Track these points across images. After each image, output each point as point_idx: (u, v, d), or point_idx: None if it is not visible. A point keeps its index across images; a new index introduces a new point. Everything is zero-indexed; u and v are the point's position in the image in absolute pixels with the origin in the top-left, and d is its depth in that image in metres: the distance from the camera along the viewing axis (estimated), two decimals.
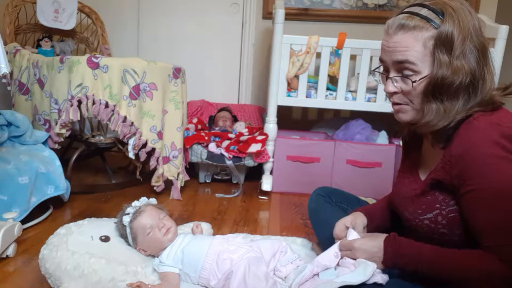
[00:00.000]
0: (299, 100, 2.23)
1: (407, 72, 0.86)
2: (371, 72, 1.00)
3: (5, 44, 2.18)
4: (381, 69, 0.94)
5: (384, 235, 0.97)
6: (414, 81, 0.85)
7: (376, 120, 2.39)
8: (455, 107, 0.84)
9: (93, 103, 1.81)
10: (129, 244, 1.26)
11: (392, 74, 0.89)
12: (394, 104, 0.92)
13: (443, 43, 0.81)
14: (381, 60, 0.92)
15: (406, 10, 0.87)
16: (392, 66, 0.88)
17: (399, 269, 0.93)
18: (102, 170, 2.32)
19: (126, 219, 1.24)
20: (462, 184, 0.83)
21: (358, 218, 1.13)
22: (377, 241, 0.96)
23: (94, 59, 1.80)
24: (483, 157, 0.79)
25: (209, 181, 2.39)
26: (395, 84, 0.89)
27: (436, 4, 0.83)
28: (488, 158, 0.79)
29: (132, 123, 1.87)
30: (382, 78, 0.94)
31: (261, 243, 1.26)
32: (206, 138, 2.27)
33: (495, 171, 0.79)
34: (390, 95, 0.92)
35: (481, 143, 0.80)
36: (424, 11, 0.83)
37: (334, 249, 1.04)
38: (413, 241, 0.92)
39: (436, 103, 0.84)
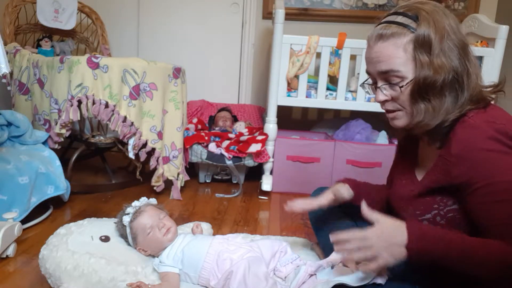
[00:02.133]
0: (299, 100, 2.23)
1: (393, 80, 0.88)
2: (361, 85, 1.01)
3: (5, 44, 2.18)
4: (370, 81, 0.97)
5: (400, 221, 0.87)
6: (401, 86, 0.87)
7: (376, 120, 2.39)
8: (443, 105, 0.85)
9: (93, 103, 1.81)
10: (129, 244, 1.26)
11: (380, 83, 0.91)
12: (387, 112, 0.94)
13: (421, 45, 0.84)
14: (367, 72, 0.94)
15: (382, 20, 0.90)
16: (378, 76, 0.91)
17: (422, 257, 0.83)
18: (102, 170, 2.32)
19: (126, 219, 1.24)
20: (467, 183, 0.83)
21: (342, 188, 1.14)
22: (396, 225, 0.85)
23: (94, 59, 1.80)
24: (485, 153, 0.81)
25: (209, 181, 2.39)
26: (384, 92, 0.91)
27: (410, 10, 0.86)
28: (490, 154, 0.80)
29: (132, 123, 1.87)
30: (372, 89, 0.96)
31: (261, 243, 1.26)
32: (206, 138, 2.27)
33: (500, 165, 0.80)
34: (382, 104, 0.94)
35: (480, 140, 0.81)
36: (399, 18, 0.86)
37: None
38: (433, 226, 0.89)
39: (424, 103, 0.86)
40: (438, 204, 0.90)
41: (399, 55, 0.85)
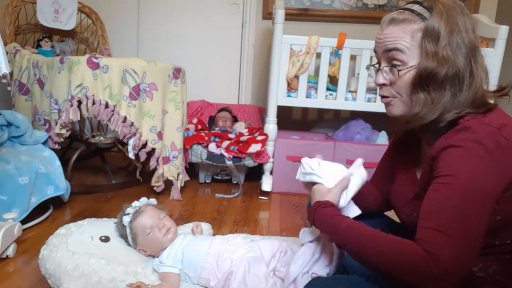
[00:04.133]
0: (299, 100, 2.23)
1: (395, 62, 0.88)
2: (367, 67, 1.01)
3: (5, 44, 2.18)
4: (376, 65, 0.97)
5: (338, 192, 0.99)
6: (400, 70, 0.87)
7: (376, 120, 2.39)
8: (442, 99, 0.84)
9: (93, 103, 1.81)
10: (129, 244, 1.26)
11: (383, 65, 0.91)
12: (383, 97, 0.94)
13: (430, 35, 0.84)
14: (374, 51, 0.95)
15: (400, 7, 0.90)
16: (382, 56, 0.91)
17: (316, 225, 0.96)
18: (102, 170, 2.32)
19: (126, 219, 1.24)
20: (435, 174, 0.82)
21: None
22: (327, 191, 0.99)
23: (94, 59, 1.80)
24: (464, 151, 0.79)
25: (209, 181, 2.39)
26: (384, 75, 0.91)
27: (428, 1, 0.87)
28: (468, 153, 0.78)
29: (132, 123, 1.87)
30: (375, 71, 0.96)
31: (261, 243, 1.26)
32: (206, 138, 2.27)
33: (471, 166, 0.77)
34: (380, 88, 0.94)
35: (465, 141, 0.79)
36: (415, 7, 0.87)
37: None
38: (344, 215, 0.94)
39: (423, 94, 0.85)
40: None
41: (406, 38, 0.86)
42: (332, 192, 1.00)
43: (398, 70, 0.87)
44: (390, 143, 1.17)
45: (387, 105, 0.93)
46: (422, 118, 0.87)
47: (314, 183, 1.05)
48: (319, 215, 0.94)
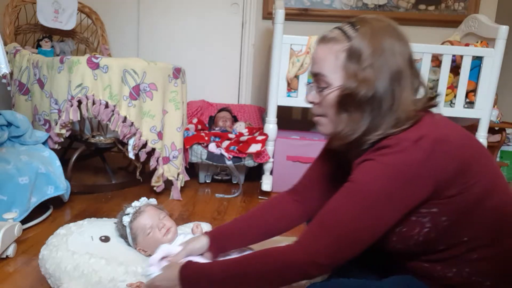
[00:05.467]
0: (299, 100, 2.23)
1: (322, 84, 0.89)
2: (307, 84, 1.02)
3: (5, 44, 2.18)
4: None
5: (180, 264, 0.96)
6: (323, 92, 0.88)
7: None
8: (362, 120, 0.84)
9: (93, 103, 1.81)
10: (129, 244, 1.25)
11: (313, 84, 0.93)
12: (314, 115, 0.95)
13: (352, 55, 0.84)
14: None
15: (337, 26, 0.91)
16: (313, 76, 0.92)
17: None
18: (102, 170, 2.32)
19: (126, 219, 1.24)
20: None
21: (193, 243, 1.09)
22: (174, 271, 0.94)
23: (94, 59, 1.80)
24: (372, 163, 0.81)
25: (209, 181, 2.39)
26: (314, 93, 0.92)
27: (358, 22, 0.87)
28: (376, 164, 0.80)
29: (132, 123, 1.87)
30: (309, 88, 0.97)
31: (261, 243, 1.26)
32: (206, 138, 2.27)
33: (369, 174, 0.80)
34: (312, 106, 0.95)
35: (378, 156, 0.81)
36: (346, 27, 0.88)
37: None
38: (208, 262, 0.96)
39: (346, 114, 0.86)
40: None
41: (330, 60, 0.86)
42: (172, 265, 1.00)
43: (323, 91, 0.88)
44: (318, 161, 1.15)
45: (317, 123, 0.95)
46: (345, 138, 0.87)
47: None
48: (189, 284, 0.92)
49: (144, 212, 1.24)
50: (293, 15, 2.75)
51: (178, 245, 1.12)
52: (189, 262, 0.96)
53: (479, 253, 0.82)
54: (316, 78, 0.90)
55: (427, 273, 0.86)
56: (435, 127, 0.82)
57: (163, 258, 1.06)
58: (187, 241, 1.11)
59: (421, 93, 0.89)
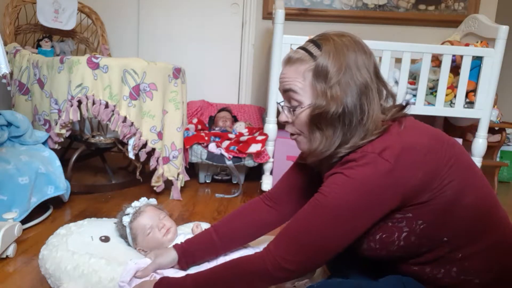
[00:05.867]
0: None
1: (292, 102, 0.90)
2: (278, 103, 1.03)
3: (5, 44, 2.18)
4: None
5: (153, 282, 0.96)
6: (295, 110, 0.89)
7: None
8: (335, 136, 0.86)
9: (93, 103, 1.81)
10: (129, 244, 1.26)
11: (284, 104, 0.93)
12: (290, 135, 0.96)
13: (319, 74, 0.85)
14: (279, 89, 0.96)
15: (300, 45, 0.92)
16: (283, 95, 0.93)
17: None
18: (102, 170, 2.32)
19: (126, 220, 1.24)
20: None
21: (161, 258, 1.09)
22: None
23: (94, 59, 1.80)
24: (340, 176, 0.82)
25: (209, 181, 2.39)
26: (286, 113, 0.93)
27: (321, 39, 0.87)
28: (343, 178, 0.81)
29: (132, 123, 1.87)
30: (280, 109, 0.98)
31: (261, 243, 1.26)
32: (206, 138, 2.27)
33: (337, 186, 0.81)
34: (285, 126, 0.95)
35: (346, 169, 0.82)
36: (309, 46, 0.88)
37: None
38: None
39: (318, 132, 0.87)
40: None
41: (299, 79, 0.87)
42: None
43: (294, 110, 0.89)
44: (292, 170, 1.17)
45: (295, 141, 0.96)
46: (320, 154, 0.88)
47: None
48: None
49: (144, 212, 1.24)
50: (293, 15, 2.75)
51: (148, 257, 1.11)
52: (163, 278, 0.97)
53: (463, 252, 0.83)
54: (287, 95, 0.91)
55: (419, 276, 0.87)
56: (400, 136, 0.83)
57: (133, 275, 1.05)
58: (156, 254, 1.10)
59: (389, 102, 0.90)
